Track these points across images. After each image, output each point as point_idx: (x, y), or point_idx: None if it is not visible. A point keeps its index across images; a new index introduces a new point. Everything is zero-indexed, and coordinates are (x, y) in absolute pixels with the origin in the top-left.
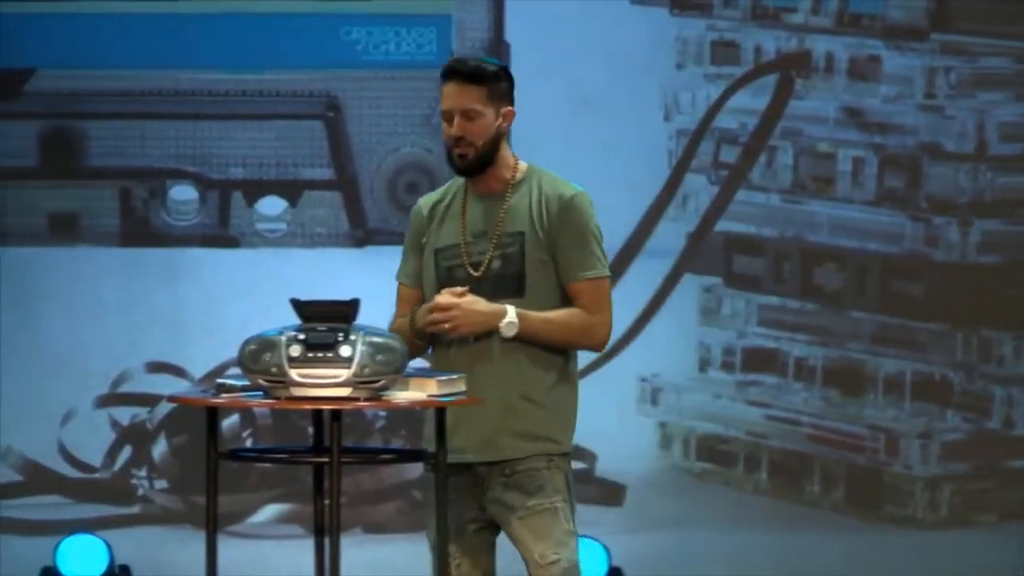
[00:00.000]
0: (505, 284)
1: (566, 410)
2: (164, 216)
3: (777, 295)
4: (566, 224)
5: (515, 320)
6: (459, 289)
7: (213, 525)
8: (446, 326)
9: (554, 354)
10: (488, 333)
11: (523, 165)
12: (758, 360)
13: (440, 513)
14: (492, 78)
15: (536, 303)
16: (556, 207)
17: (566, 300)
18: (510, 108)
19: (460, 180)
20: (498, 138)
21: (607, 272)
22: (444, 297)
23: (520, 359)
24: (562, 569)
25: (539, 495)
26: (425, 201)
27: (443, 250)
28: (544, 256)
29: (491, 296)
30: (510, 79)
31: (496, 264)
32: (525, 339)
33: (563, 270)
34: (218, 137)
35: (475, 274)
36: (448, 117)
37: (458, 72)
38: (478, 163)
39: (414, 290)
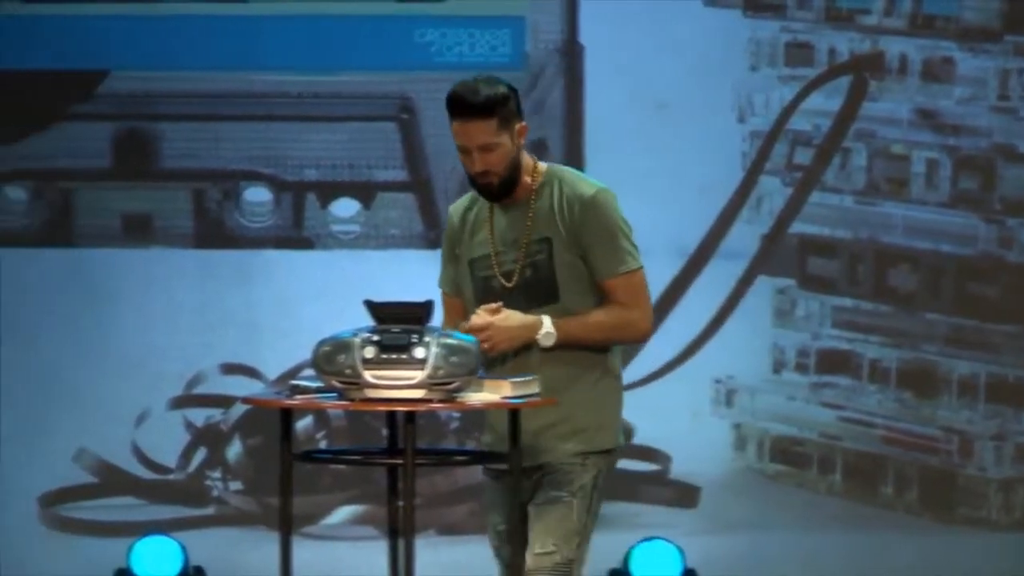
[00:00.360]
0: (538, 292)
1: (609, 407)
2: (238, 218)
3: (851, 297)
4: (590, 223)
5: (552, 330)
6: (493, 306)
7: (287, 526)
8: (485, 346)
9: (594, 352)
10: (527, 345)
11: (542, 167)
12: (832, 362)
13: (513, 515)
14: (501, 104)
15: (572, 306)
16: (578, 207)
17: (602, 297)
18: (523, 124)
19: None
20: (518, 158)
21: (639, 265)
22: (478, 318)
23: (561, 365)
24: (554, 563)
25: (560, 488)
26: (455, 209)
27: (476, 261)
28: (572, 258)
29: (525, 305)
30: (515, 94)
31: (528, 273)
32: (566, 345)
33: (595, 269)
34: (292, 139)
35: (508, 285)
36: (465, 151)
37: (469, 107)
38: (503, 188)
39: (455, 298)
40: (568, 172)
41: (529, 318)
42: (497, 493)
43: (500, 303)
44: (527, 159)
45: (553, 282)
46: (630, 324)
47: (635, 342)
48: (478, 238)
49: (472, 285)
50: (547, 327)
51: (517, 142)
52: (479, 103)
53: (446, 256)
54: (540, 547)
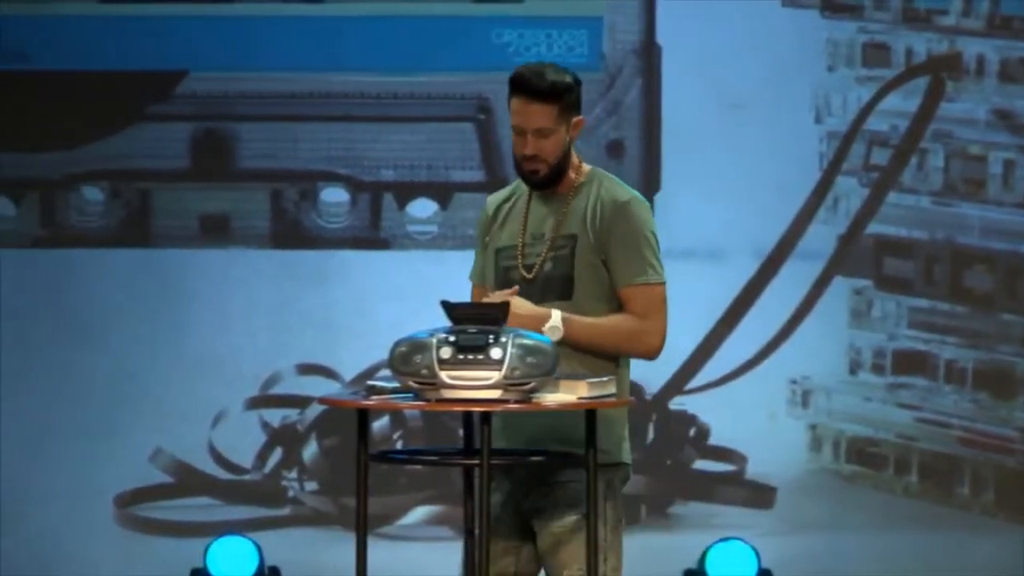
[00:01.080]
0: (553, 286)
1: (619, 422)
2: (315, 218)
3: (927, 297)
4: (618, 228)
5: (559, 325)
6: (508, 291)
7: (363, 527)
8: None
9: (606, 361)
10: None
11: (587, 168)
12: (908, 363)
13: (592, 511)
14: (566, 92)
15: (583, 306)
16: (609, 211)
17: (618, 306)
18: (580, 118)
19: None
20: (569, 151)
21: (661, 279)
22: (492, 297)
23: (571, 366)
24: None
25: (576, 508)
26: (492, 200)
27: (503, 250)
28: (594, 260)
29: (539, 298)
30: (579, 87)
31: (548, 266)
32: (572, 344)
33: (615, 275)
34: (369, 139)
35: (528, 276)
36: (520, 132)
37: (534, 89)
38: (550, 179)
39: (484, 289)
40: (609, 177)
41: (540, 309)
42: (495, 496)
43: (516, 287)
44: (575, 156)
45: (570, 278)
46: (641, 336)
47: (643, 356)
48: (509, 229)
49: (494, 275)
50: (555, 320)
51: (572, 134)
52: (544, 86)
53: (480, 245)
54: (568, 572)
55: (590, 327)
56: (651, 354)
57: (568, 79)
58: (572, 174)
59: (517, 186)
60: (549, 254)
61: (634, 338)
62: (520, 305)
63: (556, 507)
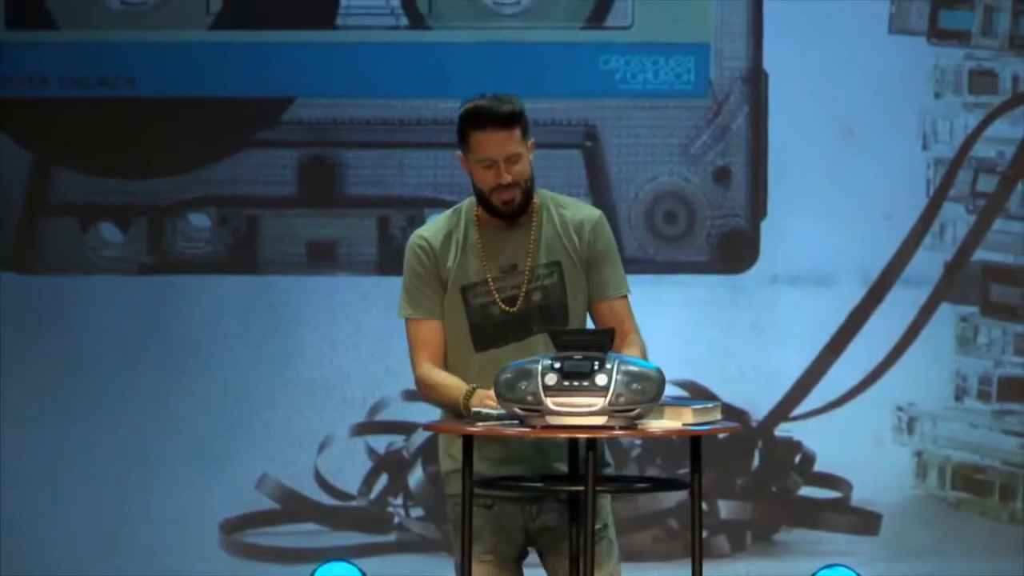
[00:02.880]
0: (551, 316)
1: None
2: None
3: None
4: (599, 244)
5: None
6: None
7: (468, 554)
8: None
9: None
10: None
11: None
12: (1014, 389)
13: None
14: (522, 116)
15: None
16: (588, 228)
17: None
18: (532, 140)
19: (460, 210)
20: (533, 174)
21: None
22: None
23: None
24: None
25: (596, 522)
26: (428, 235)
27: (471, 287)
28: (581, 281)
29: (537, 330)
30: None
31: (536, 297)
32: None
33: (597, 288)
34: None
35: (511, 310)
36: (490, 164)
37: (499, 116)
38: (524, 203)
39: (431, 322)
40: (561, 196)
41: None
42: (488, 519)
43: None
44: None
45: (565, 306)
46: (643, 346)
47: None
48: (469, 264)
49: (465, 312)
50: None
51: (530, 156)
52: (505, 113)
53: (421, 280)
54: None
55: None
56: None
57: (519, 105)
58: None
59: (446, 219)
60: (532, 285)
61: (643, 352)
62: None
63: (573, 523)
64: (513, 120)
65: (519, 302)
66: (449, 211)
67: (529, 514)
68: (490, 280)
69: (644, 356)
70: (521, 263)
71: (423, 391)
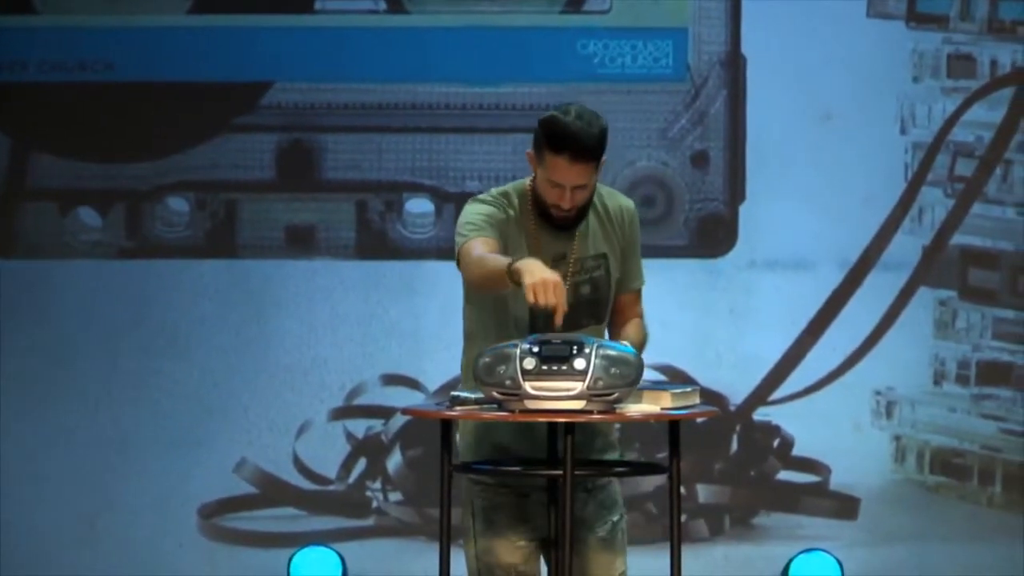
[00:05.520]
0: (599, 309)
1: None
2: (400, 229)
3: (1012, 308)
4: (633, 235)
5: None
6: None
7: (447, 538)
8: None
9: None
10: None
11: None
12: (993, 373)
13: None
14: (603, 146)
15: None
16: (627, 219)
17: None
18: (604, 158)
19: (513, 193)
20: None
21: None
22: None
23: None
24: None
25: (615, 510)
26: (497, 201)
27: None
28: (617, 274)
29: (585, 322)
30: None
31: (585, 290)
32: None
33: (626, 279)
34: (454, 150)
35: None
36: (559, 186)
37: (585, 151)
38: (577, 220)
39: (493, 239)
40: (599, 185)
41: None
42: (519, 510)
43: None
44: None
45: (606, 300)
46: (646, 337)
47: None
48: (520, 250)
49: (516, 300)
50: None
51: (599, 174)
52: (592, 144)
53: (492, 224)
54: (620, 571)
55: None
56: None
57: (604, 128)
58: None
59: (500, 199)
60: (582, 277)
61: (645, 342)
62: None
63: (596, 511)
64: (595, 154)
65: (568, 294)
66: (494, 192)
67: (552, 503)
68: None
69: (641, 337)
70: (569, 254)
71: (464, 259)
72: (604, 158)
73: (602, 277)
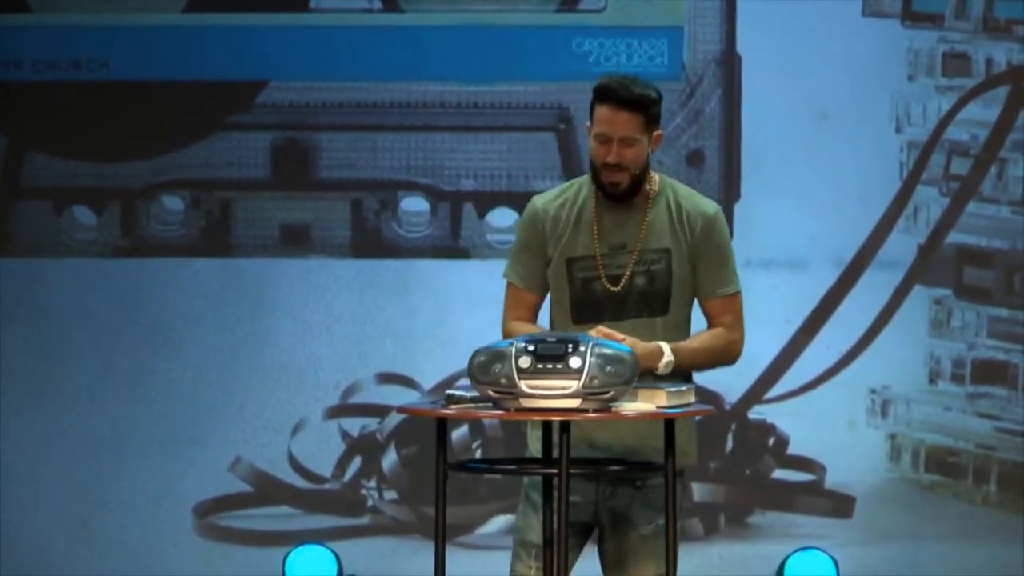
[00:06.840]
0: (652, 302)
1: (691, 427)
2: (395, 227)
3: (1007, 307)
4: (710, 241)
5: (672, 359)
6: (615, 333)
7: (442, 536)
8: None
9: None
10: None
11: (655, 176)
12: (988, 372)
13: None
14: (652, 105)
15: (674, 320)
16: (700, 223)
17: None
18: (660, 132)
19: (583, 182)
20: (648, 163)
21: (740, 289)
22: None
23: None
24: None
25: (661, 512)
26: (545, 203)
27: (577, 260)
28: (686, 273)
29: (634, 313)
30: (661, 102)
31: (640, 281)
32: (676, 370)
33: (704, 286)
34: (449, 149)
35: (614, 289)
36: (603, 140)
37: (623, 98)
38: (630, 190)
39: (528, 293)
40: (681, 185)
41: (650, 345)
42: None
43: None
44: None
45: (668, 294)
46: (731, 348)
47: (726, 365)
48: (580, 237)
49: (569, 285)
50: (668, 355)
51: (652, 147)
52: (634, 96)
53: (525, 247)
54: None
55: (693, 353)
56: (734, 362)
57: (653, 93)
58: (646, 185)
59: (568, 189)
60: (640, 268)
61: (727, 351)
62: (633, 344)
63: (642, 510)
64: (637, 105)
65: (622, 282)
66: (568, 183)
67: (602, 494)
68: (598, 256)
69: (710, 343)
70: (631, 244)
71: (502, 322)
72: (659, 131)
73: (661, 271)
